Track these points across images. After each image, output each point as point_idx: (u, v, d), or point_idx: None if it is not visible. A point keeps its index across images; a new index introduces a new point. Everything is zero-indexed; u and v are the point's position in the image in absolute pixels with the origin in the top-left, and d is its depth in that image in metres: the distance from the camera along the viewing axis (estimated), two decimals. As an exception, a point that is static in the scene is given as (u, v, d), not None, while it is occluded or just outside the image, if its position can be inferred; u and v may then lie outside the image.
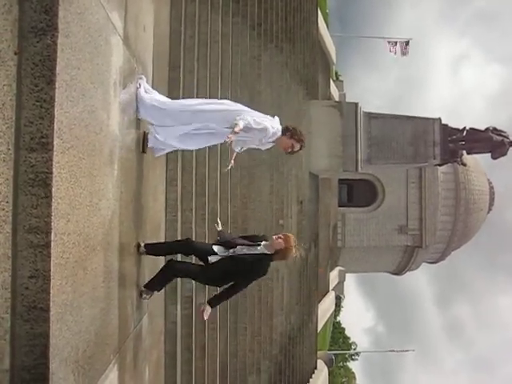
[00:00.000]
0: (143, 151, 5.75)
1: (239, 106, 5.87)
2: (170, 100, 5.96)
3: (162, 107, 5.63)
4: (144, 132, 5.73)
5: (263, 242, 5.80)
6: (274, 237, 5.74)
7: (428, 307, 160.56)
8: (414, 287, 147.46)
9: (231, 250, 5.76)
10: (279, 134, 5.91)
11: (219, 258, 5.75)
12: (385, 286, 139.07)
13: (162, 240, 7.12)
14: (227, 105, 5.88)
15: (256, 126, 5.70)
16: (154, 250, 5.90)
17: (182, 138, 5.82)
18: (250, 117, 5.66)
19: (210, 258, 5.76)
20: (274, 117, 5.98)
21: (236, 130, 5.49)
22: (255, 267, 5.75)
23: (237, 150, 6.08)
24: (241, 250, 5.74)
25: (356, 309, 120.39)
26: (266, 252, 5.74)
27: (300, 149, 6.09)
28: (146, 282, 5.92)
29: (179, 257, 6.83)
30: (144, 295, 5.80)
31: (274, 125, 5.86)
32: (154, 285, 5.97)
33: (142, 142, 5.72)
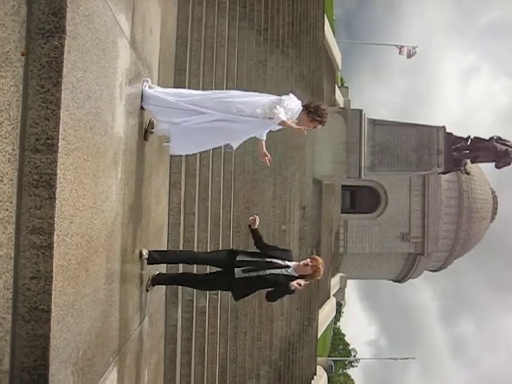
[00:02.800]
0: (145, 139, 5.65)
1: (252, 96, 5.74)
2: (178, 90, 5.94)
3: (169, 98, 5.57)
4: (150, 120, 5.68)
5: (292, 264, 5.83)
6: (302, 263, 5.79)
7: (432, 324, 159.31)
8: (418, 303, 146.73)
9: (261, 272, 5.76)
10: (300, 108, 5.72)
11: (246, 275, 5.76)
12: (388, 300, 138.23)
13: (165, 242, 7.15)
14: (235, 96, 5.69)
15: (287, 115, 5.54)
16: (156, 259, 5.93)
17: (197, 136, 5.75)
18: (279, 107, 5.47)
19: (236, 272, 5.76)
20: (288, 95, 5.75)
21: (292, 125, 5.41)
22: (287, 288, 5.82)
23: (264, 137, 6.01)
24: (271, 271, 5.77)
25: (359, 323, 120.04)
26: (294, 274, 5.81)
27: (322, 126, 5.87)
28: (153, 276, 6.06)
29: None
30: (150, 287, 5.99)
31: (295, 102, 5.67)
32: (156, 282, 6.12)
33: (145, 130, 5.64)
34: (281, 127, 5.65)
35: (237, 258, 5.81)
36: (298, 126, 5.46)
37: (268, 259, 5.82)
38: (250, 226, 6.11)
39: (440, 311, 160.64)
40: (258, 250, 6.02)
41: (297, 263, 5.84)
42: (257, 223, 6.04)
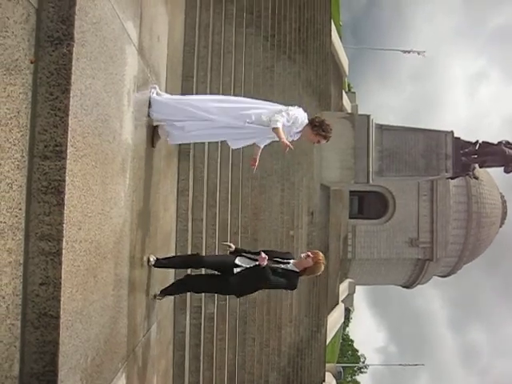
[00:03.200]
0: (153, 146, 5.68)
1: (256, 103, 5.82)
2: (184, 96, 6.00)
3: (176, 100, 5.65)
4: (154, 126, 5.68)
5: (292, 261, 5.80)
6: (303, 255, 5.78)
7: (442, 331, 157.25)
8: (427, 310, 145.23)
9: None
10: (306, 121, 5.78)
11: (245, 266, 5.71)
12: (398, 308, 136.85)
13: (173, 249, 7.15)
14: (243, 102, 5.81)
15: (288, 123, 5.58)
16: (163, 263, 5.93)
17: (206, 134, 5.80)
18: (285, 113, 5.54)
19: (235, 271, 5.70)
20: (294, 106, 5.82)
21: (282, 136, 5.42)
22: (287, 282, 5.77)
23: (262, 145, 6.02)
24: (271, 263, 5.69)
25: (368, 330, 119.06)
26: (295, 269, 5.76)
27: (326, 141, 5.96)
28: (162, 288, 6.08)
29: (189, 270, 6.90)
30: (158, 297, 5.98)
31: (301, 114, 5.72)
32: (168, 292, 6.14)
33: (152, 137, 5.65)
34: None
35: (236, 260, 5.78)
36: (286, 141, 5.47)
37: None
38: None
39: (449, 319, 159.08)
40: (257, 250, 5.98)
41: (297, 260, 5.82)
42: (232, 248, 5.99)
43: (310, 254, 5.76)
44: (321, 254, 5.84)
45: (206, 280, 6.24)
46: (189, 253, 7.51)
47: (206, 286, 6.19)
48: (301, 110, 5.82)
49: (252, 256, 5.78)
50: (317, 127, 5.76)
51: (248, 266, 5.71)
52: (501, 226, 33.59)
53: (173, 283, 6.31)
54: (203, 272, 7.00)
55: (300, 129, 5.80)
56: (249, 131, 5.69)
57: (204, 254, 8.09)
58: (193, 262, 6.32)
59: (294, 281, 5.85)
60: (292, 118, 5.61)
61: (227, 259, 5.93)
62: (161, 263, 5.80)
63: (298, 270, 5.77)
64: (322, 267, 5.84)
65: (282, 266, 5.74)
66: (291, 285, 5.89)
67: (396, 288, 38.23)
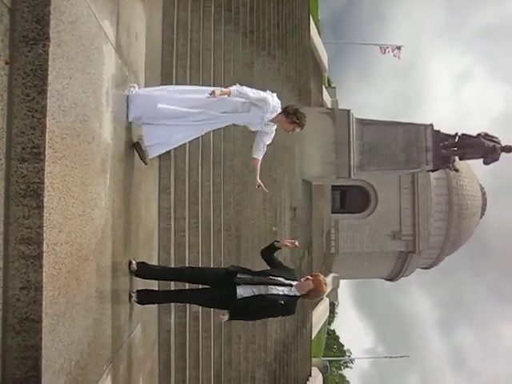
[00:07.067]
0: (145, 163, 5.77)
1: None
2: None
3: (151, 94, 5.61)
4: (137, 142, 5.63)
5: (295, 283, 5.67)
6: (303, 279, 5.64)
7: (431, 334, 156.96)
8: (416, 313, 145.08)
9: (262, 289, 5.56)
10: (279, 110, 5.75)
11: (248, 294, 5.56)
12: (385, 310, 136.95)
13: (156, 248, 7.11)
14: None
15: (253, 95, 5.53)
16: (147, 272, 5.79)
17: (176, 132, 5.74)
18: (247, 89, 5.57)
19: (238, 291, 5.56)
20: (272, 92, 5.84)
21: (225, 91, 5.44)
22: (286, 309, 5.67)
23: (260, 156, 6.02)
24: (273, 289, 5.58)
25: (355, 333, 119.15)
26: (297, 294, 5.65)
27: (300, 130, 5.94)
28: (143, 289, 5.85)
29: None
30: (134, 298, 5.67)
31: (273, 98, 5.70)
32: (152, 298, 5.98)
33: (139, 154, 5.65)
34: (258, 129, 5.85)
35: (237, 276, 5.62)
36: (218, 92, 5.43)
37: (271, 277, 5.65)
38: (275, 245, 5.89)
39: (439, 322, 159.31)
40: (258, 270, 5.86)
41: (299, 281, 5.68)
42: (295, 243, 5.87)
43: (309, 277, 5.64)
44: (321, 275, 5.70)
45: (203, 294, 6.04)
46: (172, 252, 7.48)
47: (196, 298, 6.07)
48: (275, 96, 5.81)
49: (256, 283, 5.59)
50: (291, 115, 5.76)
51: (257, 294, 5.55)
52: (481, 217, 33.99)
53: (158, 292, 6.17)
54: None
55: (274, 115, 5.76)
56: (224, 119, 5.77)
57: (187, 251, 8.06)
58: (176, 271, 6.20)
59: (294, 307, 5.74)
60: (256, 93, 5.60)
61: (221, 274, 5.81)
62: (142, 273, 5.67)
63: (299, 295, 5.65)
64: (325, 287, 5.69)
65: (286, 289, 5.60)
66: (292, 312, 5.76)
67: (384, 289, 38.52)
